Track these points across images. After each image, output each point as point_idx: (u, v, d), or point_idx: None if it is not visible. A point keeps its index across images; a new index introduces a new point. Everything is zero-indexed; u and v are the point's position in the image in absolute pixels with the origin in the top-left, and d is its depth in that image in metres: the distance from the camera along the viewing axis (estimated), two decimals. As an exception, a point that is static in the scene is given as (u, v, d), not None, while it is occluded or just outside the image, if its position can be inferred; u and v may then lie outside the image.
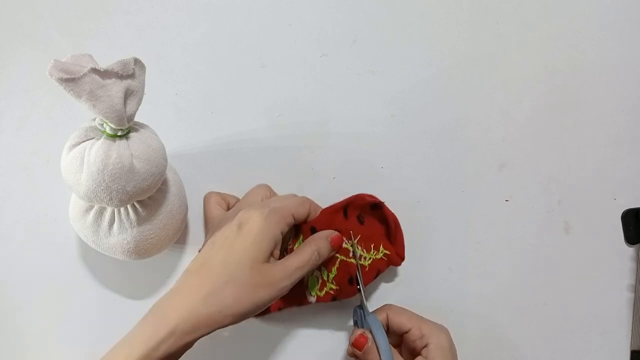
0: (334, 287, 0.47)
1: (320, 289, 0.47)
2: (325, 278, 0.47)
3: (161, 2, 0.54)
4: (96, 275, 0.51)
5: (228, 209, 0.50)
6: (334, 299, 0.48)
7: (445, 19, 0.56)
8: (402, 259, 0.50)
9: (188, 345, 0.40)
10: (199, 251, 0.44)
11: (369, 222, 0.50)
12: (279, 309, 0.49)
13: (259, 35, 0.55)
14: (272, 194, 0.50)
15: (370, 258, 0.49)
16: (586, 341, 0.53)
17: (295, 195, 0.49)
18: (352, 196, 0.49)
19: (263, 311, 0.44)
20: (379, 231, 0.50)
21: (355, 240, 0.48)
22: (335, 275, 0.47)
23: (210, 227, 0.46)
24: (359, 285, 0.48)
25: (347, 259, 0.47)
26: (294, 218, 0.45)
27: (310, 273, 0.47)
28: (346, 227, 0.48)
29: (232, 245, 0.41)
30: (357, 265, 0.48)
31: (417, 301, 0.51)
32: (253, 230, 0.41)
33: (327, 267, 0.47)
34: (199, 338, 0.40)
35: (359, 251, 0.48)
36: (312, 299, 0.48)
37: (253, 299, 0.40)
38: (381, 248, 0.50)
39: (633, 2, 0.57)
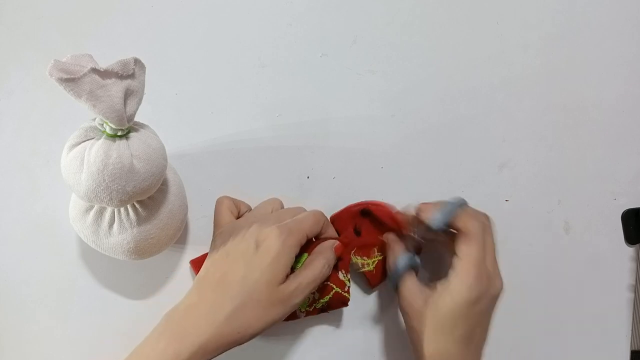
0: (323, 302, 0.47)
1: (310, 305, 0.47)
2: (316, 299, 0.47)
3: (161, 2, 0.54)
4: (96, 275, 0.51)
5: (239, 215, 0.49)
6: (322, 311, 0.48)
7: (445, 19, 0.56)
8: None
9: None
10: (209, 254, 0.44)
11: (366, 231, 0.50)
12: None
13: (259, 35, 0.55)
14: (282, 207, 0.50)
15: (374, 261, 0.49)
16: (586, 341, 0.53)
17: (308, 213, 0.47)
18: (340, 211, 0.50)
19: None
20: (378, 234, 0.50)
21: (352, 252, 0.49)
22: (327, 302, 0.47)
23: (219, 232, 0.46)
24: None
25: (342, 292, 0.47)
26: (307, 238, 0.45)
27: None
28: (345, 244, 0.48)
29: (250, 263, 0.41)
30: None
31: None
32: (271, 252, 0.41)
33: (320, 294, 0.47)
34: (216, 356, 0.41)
35: (359, 260, 0.49)
36: (302, 315, 0.48)
37: (267, 318, 0.41)
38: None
39: (633, 2, 0.57)
